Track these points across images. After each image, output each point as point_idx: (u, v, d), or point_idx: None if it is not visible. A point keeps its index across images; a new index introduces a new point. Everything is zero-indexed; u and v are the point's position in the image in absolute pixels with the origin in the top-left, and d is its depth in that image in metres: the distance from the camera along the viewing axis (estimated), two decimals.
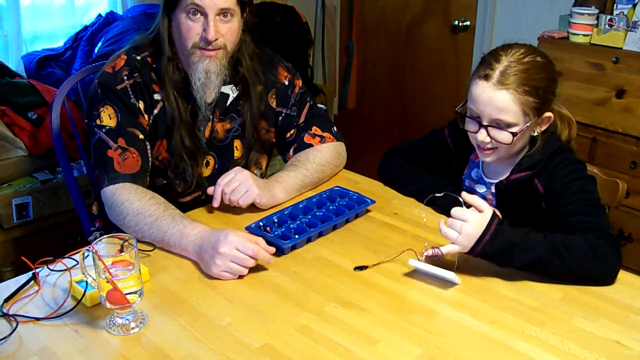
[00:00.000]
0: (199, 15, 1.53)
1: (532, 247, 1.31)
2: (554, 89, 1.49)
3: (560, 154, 1.50)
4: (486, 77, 1.44)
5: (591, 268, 1.31)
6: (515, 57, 1.45)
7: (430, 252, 1.32)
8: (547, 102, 1.47)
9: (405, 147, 1.81)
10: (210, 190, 1.60)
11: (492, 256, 1.31)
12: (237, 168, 1.61)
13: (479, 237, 1.29)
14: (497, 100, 1.42)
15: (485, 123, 1.45)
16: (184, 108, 1.63)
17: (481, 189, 1.64)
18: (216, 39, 1.55)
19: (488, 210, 1.31)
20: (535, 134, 1.50)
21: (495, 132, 1.45)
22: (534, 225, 1.50)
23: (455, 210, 1.32)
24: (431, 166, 1.75)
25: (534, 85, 1.43)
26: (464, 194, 1.33)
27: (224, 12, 1.55)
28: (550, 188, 1.48)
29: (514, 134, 1.43)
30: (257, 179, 1.60)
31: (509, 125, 1.44)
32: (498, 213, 1.52)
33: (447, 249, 1.32)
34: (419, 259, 1.36)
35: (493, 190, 1.59)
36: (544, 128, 1.50)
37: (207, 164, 1.73)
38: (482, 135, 1.46)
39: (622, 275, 1.37)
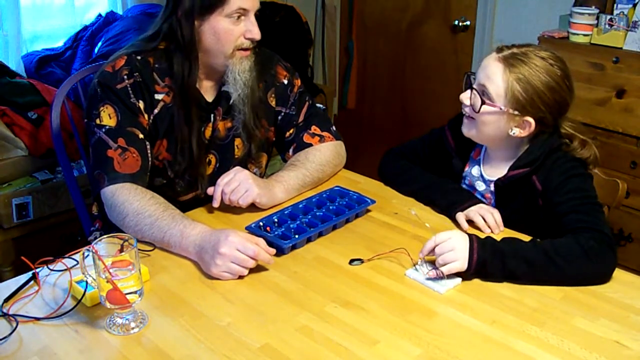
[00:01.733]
0: (241, 17, 1.56)
1: (523, 254, 1.32)
2: (554, 106, 1.48)
3: (558, 152, 1.50)
4: (499, 50, 1.51)
5: (585, 270, 1.31)
6: (536, 52, 1.48)
7: (432, 273, 1.33)
8: (535, 108, 1.46)
9: (405, 147, 1.81)
10: (210, 190, 1.60)
11: (488, 263, 1.31)
12: (237, 168, 1.61)
13: (469, 246, 1.31)
14: (490, 68, 1.49)
15: (474, 85, 1.51)
16: (195, 112, 1.63)
17: (481, 187, 1.64)
18: None
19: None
20: (513, 133, 1.50)
21: (475, 98, 1.50)
22: (531, 224, 1.50)
23: (436, 236, 1.34)
24: (431, 165, 1.75)
25: (530, 82, 1.44)
26: (427, 245, 1.36)
27: (256, 11, 1.59)
28: (548, 185, 1.49)
29: (482, 103, 1.47)
30: (256, 179, 1.60)
31: (487, 99, 1.48)
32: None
33: (448, 268, 1.32)
34: (415, 267, 1.37)
35: (492, 188, 1.59)
36: (524, 134, 1.50)
37: (209, 162, 1.73)
38: (464, 95, 1.53)
39: (622, 275, 1.36)
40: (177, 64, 1.59)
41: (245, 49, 1.60)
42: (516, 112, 1.47)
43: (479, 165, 1.65)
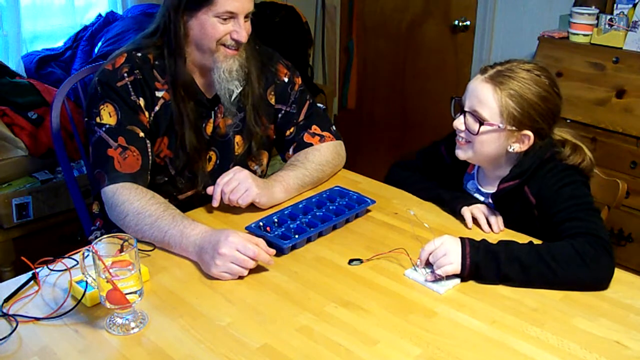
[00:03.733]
0: (229, 18, 1.56)
1: (518, 257, 1.32)
2: (549, 115, 1.48)
3: (550, 163, 1.49)
4: (483, 72, 1.49)
5: (581, 275, 1.30)
6: (520, 66, 1.47)
7: (430, 276, 1.33)
8: (532, 120, 1.46)
9: (408, 160, 1.83)
10: (209, 190, 1.60)
11: (481, 266, 1.31)
12: (237, 168, 1.61)
13: (461, 250, 1.32)
14: (480, 91, 1.47)
15: (465, 109, 1.50)
16: (191, 108, 1.63)
17: (480, 199, 1.64)
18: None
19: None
20: (512, 149, 1.49)
21: (470, 122, 1.49)
22: (529, 233, 1.50)
23: (428, 245, 1.35)
24: (432, 177, 1.75)
25: (523, 95, 1.44)
26: (422, 255, 1.36)
27: (247, 14, 1.58)
28: (542, 197, 1.48)
29: (480, 124, 1.46)
30: (256, 179, 1.60)
31: (484, 120, 1.46)
32: None
33: (444, 270, 1.32)
34: (414, 268, 1.37)
35: (490, 200, 1.60)
36: (524, 148, 1.49)
37: (209, 159, 1.74)
38: (458, 121, 1.52)
39: (622, 275, 1.36)
40: (167, 59, 1.61)
41: (231, 48, 1.59)
42: (514, 128, 1.46)
43: (474, 180, 1.66)
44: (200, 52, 1.61)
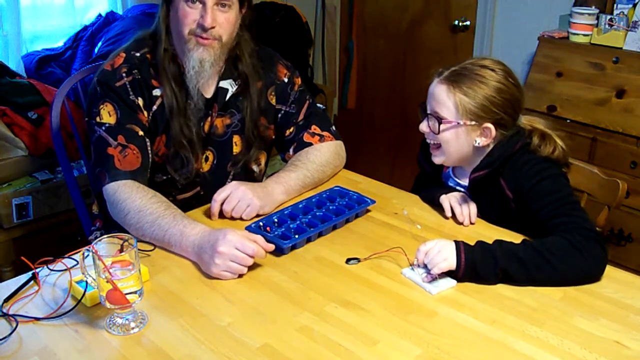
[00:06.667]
0: (197, 3, 1.55)
1: (514, 252, 1.32)
2: (507, 105, 1.49)
3: (523, 155, 1.50)
4: (439, 74, 1.54)
5: (577, 264, 1.31)
6: (475, 63, 1.51)
7: (426, 277, 1.33)
8: (490, 113, 1.48)
9: (414, 187, 1.84)
10: (215, 210, 1.59)
11: (478, 264, 1.31)
12: (232, 184, 1.59)
13: (455, 250, 1.32)
14: (436, 93, 1.52)
15: (428, 112, 1.54)
16: (182, 98, 1.63)
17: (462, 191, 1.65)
18: (212, 27, 1.56)
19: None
20: (478, 143, 1.51)
21: (432, 123, 1.53)
22: (508, 226, 1.51)
23: (422, 246, 1.35)
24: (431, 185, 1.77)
25: (476, 90, 1.47)
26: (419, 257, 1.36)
27: (222, 3, 1.57)
28: (519, 192, 1.49)
29: (439, 123, 1.50)
30: (255, 190, 1.59)
31: (442, 119, 1.50)
32: None
33: (438, 267, 1.32)
34: (411, 267, 1.37)
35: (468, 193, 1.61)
36: (488, 141, 1.51)
37: (207, 159, 1.74)
38: (422, 125, 1.56)
39: (622, 275, 1.37)
40: (157, 51, 1.63)
41: (201, 37, 1.57)
42: (473, 123, 1.49)
43: (452, 177, 1.68)
44: (178, 42, 1.61)
